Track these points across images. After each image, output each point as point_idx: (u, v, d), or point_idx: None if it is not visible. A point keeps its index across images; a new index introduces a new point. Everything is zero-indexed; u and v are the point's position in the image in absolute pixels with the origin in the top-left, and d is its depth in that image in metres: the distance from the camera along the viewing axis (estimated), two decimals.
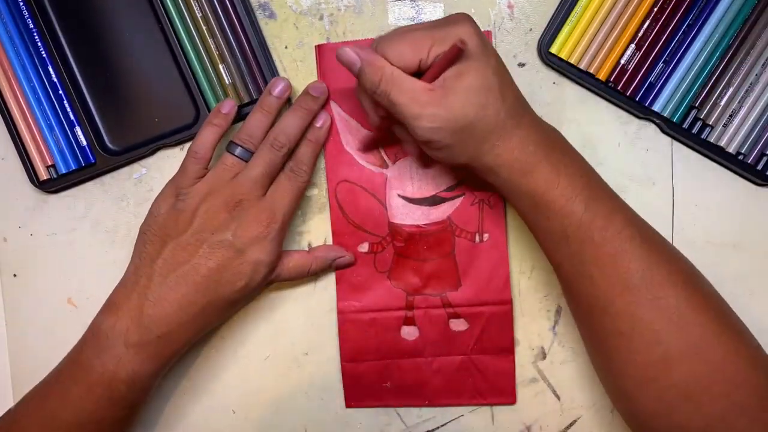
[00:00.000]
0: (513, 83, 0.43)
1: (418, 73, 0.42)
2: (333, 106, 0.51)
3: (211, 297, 0.46)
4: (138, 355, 0.45)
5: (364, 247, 0.52)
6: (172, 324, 0.46)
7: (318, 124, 0.50)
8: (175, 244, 0.46)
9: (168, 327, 0.46)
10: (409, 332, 0.52)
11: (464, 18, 0.42)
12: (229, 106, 0.49)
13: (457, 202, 0.51)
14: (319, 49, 0.51)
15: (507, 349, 0.52)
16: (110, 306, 0.47)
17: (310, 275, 0.51)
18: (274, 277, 0.49)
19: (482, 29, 0.50)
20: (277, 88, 0.49)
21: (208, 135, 0.48)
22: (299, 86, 0.52)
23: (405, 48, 0.41)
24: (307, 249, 0.52)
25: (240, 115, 0.51)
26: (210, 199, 0.47)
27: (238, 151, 0.48)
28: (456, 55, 0.40)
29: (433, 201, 0.51)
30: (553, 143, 0.43)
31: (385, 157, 0.51)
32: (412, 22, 0.51)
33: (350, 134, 0.51)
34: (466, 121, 0.41)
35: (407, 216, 0.51)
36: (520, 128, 0.42)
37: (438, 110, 0.41)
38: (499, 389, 0.52)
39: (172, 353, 0.47)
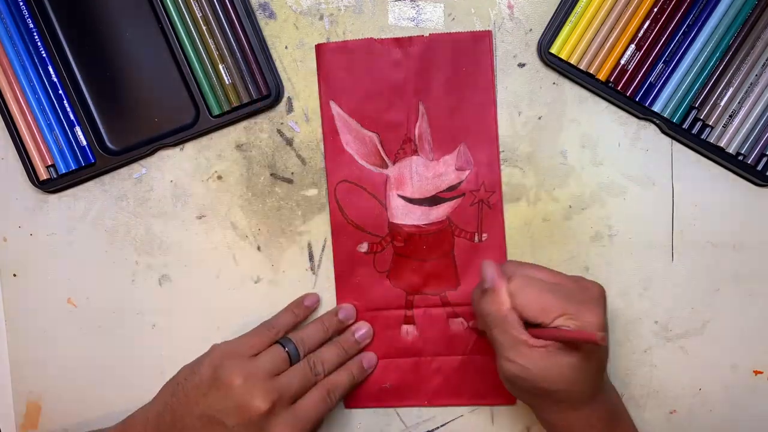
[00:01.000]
0: (605, 365, 0.45)
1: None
2: (333, 105, 0.51)
3: None
4: None
5: (363, 247, 0.52)
6: None
7: (365, 365, 0.51)
8: (200, 411, 0.45)
9: None
10: (408, 331, 0.52)
11: (599, 302, 0.43)
12: (313, 302, 0.52)
13: (457, 202, 0.51)
14: (319, 48, 0.51)
15: None
16: (127, 428, 0.47)
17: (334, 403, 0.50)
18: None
19: (482, 29, 0.50)
20: (344, 314, 0.51)
21: (286, 318, 0.50)
22: (299, 86, 0.52)
23: (534, 306, 0.42)
24: (306, 250, 0.52)
25: (238, 116, 0.51)
26: (248, 382, 0.45)
27: (290, 347, 0.48)
28: (585, 344, 0.41)
29: (433, 201, 0.51)
30: (614, 416, 0.45)
31: (385, 157, 0.51)
32: (412, 23, 0.51)
33: (350, 134, 0.51)
34: (550, 389, 0.42)
35: (407, 216, 0.51)
36: (592, 404, 0.44)
37: (530, 367, 0.42)
38: (498, 390, 0.52)
39: None
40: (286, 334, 0.49)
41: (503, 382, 0.45)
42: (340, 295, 0.52)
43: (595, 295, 0.43)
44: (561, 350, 0.41)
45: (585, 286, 0.44)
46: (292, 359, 0.48)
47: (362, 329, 0.52)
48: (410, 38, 0.50)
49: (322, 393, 0.48)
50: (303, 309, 0.51)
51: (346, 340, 0.51)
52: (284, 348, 0.48)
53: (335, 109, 0.51)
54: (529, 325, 0.42)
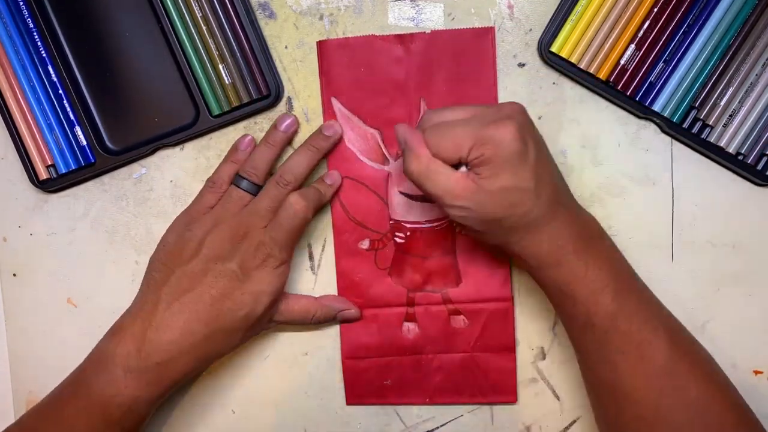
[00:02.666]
0: (553, 178, 0.44)
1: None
2: (334, 102, 0.51)
3: (212, 326, 0.46)
4: (136, 380, 0.45)
5: (364, 244, 0.52)
6: (173, 351, 0.46)
7: (328, 182, 0.51)
8: (181, 272, 0.47)
9: (168, 354, 0.46)
10: (409, 329, 0.52)
11: (510, 119, 0.41)
12: (246, 142, 0.50)
13: None
14: (321, 45, 0.51)
15: (508, 347, 0.52)
16: (115, 330, 0.47)
17: (313, 322, 0.51)
18: (277, 317, 0.50)
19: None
20: (284, 123, 0.50)
21: (226, 168, 0.50)
22: (300, 86, 0.52)
23: (446, 144, 0.41)
24: (306, 250, 0.52)
25: (238, 116, 0.51)
26: (216, 230, 0.47)
27: (243, 184, 0.49)
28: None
29: None
30: (585, 235, 0.44)
31: (387, 154, 0.51)
32: (412, 23, 0.51)
33: (351, 131, 0.51)
34: (494, 217, 0.42)
35: (408, 213, 0.51)
36: (551, 223, 0.43)
37: (468, 203, 0.41)
38: (499, 388, 0.52)
39: (170, 382, 0.47)
40: (230, 183, 0.49)
41: (465, 232, 0.45)
42: (341, 292, 0.52)
43: (507, 112, 0.42)
44: (488, 177, 0.41)
45: (498, 107, 0.43)
46: (253, 192, 0.48)
47: (332, 126, 0.50)
48: (412, 35, 0.50)
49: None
50: (240, 153, 0.50)
51: (313, 140, 0.50)
52: (239, 187, 0.48)
53: (337, 105, 0.51)
54: (454, 167, 0.42)
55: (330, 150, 0.51)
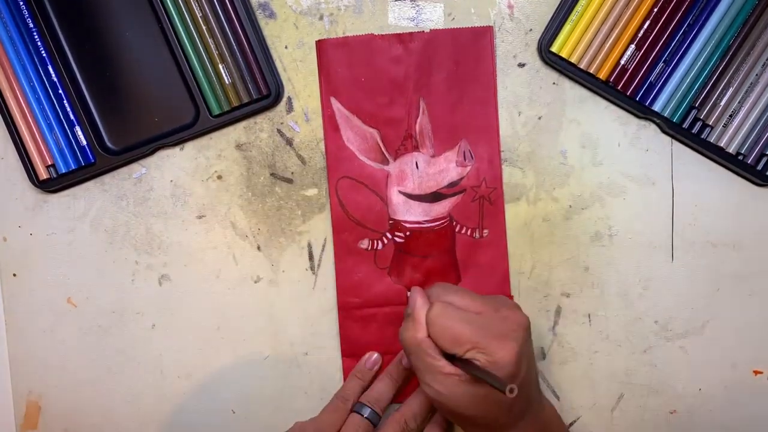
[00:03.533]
0: (531, 391, 0.45)
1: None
2: (333, 102, 0.51)
3: None
4: None
5: (364, 244, 0.52)
6: None
7: None
8: None
9: None
10: None
11: (516, 334, 0.42)
12: (372, 362, 0.52)
13: (458, 198, 0.51)
14: (320, 44, 0.51)
15: None
16: None
17: None
18: None
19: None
20: (405, 360, 0.50)
21: (354, 386, 0.51)
22: (300, 86, 0.52)
23: (446, 336, 0.42)
24: (306, 250, 0.52)
25: (238, 116, 0.51)
26: None
27: (367, 412, 0.49)
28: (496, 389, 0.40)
29: (434, 197, 0.51)
30: None
31: (386, 154, 0.51)
32: (412, 23, 0.51)
33: (351, 130, 0.51)
34: (465, 415, 0.43)
35: (408, 212, 0.51)
36: (516, 427, 0.44)
37: (445, 393, 0.42)
38: None
39: None
40: (357, 400, 0.50)
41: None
42: (341, 291, 0.52)
43: (513, 327, 0.43)
44: (472, 380, 0.41)
45: (505, 317, 0.43)
46: (373, 422, 0.49)
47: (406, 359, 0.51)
48: (411, 34, 0.50)
49: (395, 422, 0.48)
50: (367, 372, 0.51)
51: (395, 370, 0.51)
52: (362, 415, 0.49)
53: (336, 105, 0.51)
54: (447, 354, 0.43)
55: None
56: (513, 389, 0.37)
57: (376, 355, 0.52)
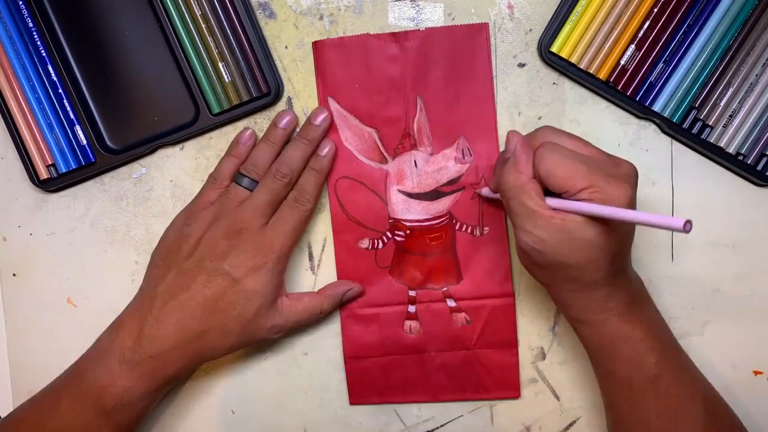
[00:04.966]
0: (629, 253, 0.44)
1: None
2: (331, 102, 0.51)
3: (206, 325, 0.47)
4: (130, 372, 0.46)
5: (364, 243, 0.52)
6: (167, 346, 0.46)
7: (322, 153, 0.50)
8: (177, 270, 0.47)
9: (162, 348, 0.46)
10: (411, 327, 0.52)
11: (629, 178, 0.41)
12: (246, 137, 0.50)
13: (457, 196, 0.51)
14: (316, 45, 0.51)
15: (510, 342, 0.52)
16: (115, 323, 0.48)
17: (323, 315, 0.51)
18: (281, 321, 0.49)
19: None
20: (283, 120, 0.50)
21: (227, 164, 0.50)
22: (299, 86, 0.52)
23: (560, 172, 0.40)
24: (306, 250, 0.52)
25: (238, 114, 0.51)
26: (213, 227, 0.48)
27: (244, 181, 0.49)
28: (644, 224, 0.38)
29: (434, 195, 0.51)
30: (634, 299, 0.44)
31: (385, 153, 0.51)
32: (412, 23, 0.51)
33: (349, 130, 0.51)
34: (564, 264, 0.41)
35: (407, 211, 0.51)
36: (610, 286, 0.42)
37: (546, 238, 0.40)
38: (502, 383, 0.52)
39: (164, 377, 0.47)
40: (232, 179, 0.49)
41: (519, 258, 0.44)
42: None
43: (626, 171, 0.41)
44: (580, 224, 0.39)
45: (616, 162, 0.42)
46: (252, 189, 0.48)
47: (320, 114, 0.50)
48: (406, 32, 0.50)
49: (288, 202, 0.48)
50: (241, 147, 0.50)
51: (303, 132, 0.50)
52: (240, 185, 0.48)
53: (333, 105, 0.51)
54: (553, 195, 0.41)
55: (321, 138, 0.50)
56: (689, 222, 0.34)
57: (249, 130, 0.50)
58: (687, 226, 0.34)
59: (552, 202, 0.41)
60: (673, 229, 0.34)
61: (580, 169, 0.40)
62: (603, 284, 0.42)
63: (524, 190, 0.41)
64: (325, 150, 0.50)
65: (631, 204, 0.40)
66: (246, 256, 0.47)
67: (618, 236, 0.41)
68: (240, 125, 0.52)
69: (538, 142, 0.42)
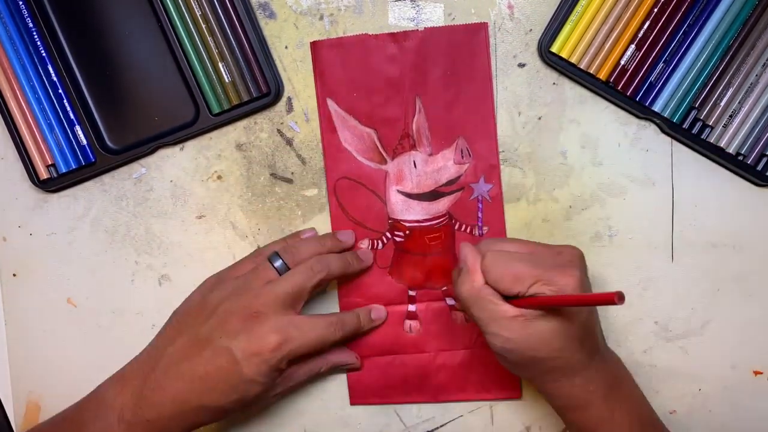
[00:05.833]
0: (596, 328, 0.44)
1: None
2: (330, 103, 0.51)
3: (204, 401, 0.46)
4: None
5: (364, 244, 0.52)
6: (165, 413, 0.45)
7: (361, 265, 0.51)
8: (188, 337, 0.46)
9: (158, 414, 0.45)
10: (411, 327, 0.52)
11: (574, 263, 0.42)
12: (307, 235, 0.51)
13: (457, 196, 0.51)
14: (314, 45, 0.51)
15: None
16: (119, 377, 0.48)
17: (320, 375, 0.51)
18: (282, 390, 0.48)
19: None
20: (345, 236, 0.51)
21: (276, 247, 0.49)
22: (300, 86, 0.52)
23: (507, 277, 0.42)
24: None
25: (238, 114, 0.51)
26: (233, 299, 0.46)
27: (278, 263, 0.48)
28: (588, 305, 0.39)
29: (433, 196, 0.51)
30: (613, 379, 0.45)
31: (384, 153, 0.51)
32: (412, 23, 0.51)
33: (348, 131, 0.51)
34: (537, 357, 0.42)
35: (407, 211, 0.51)
36: (587, 370, 0.43)
37: (514, 338, 0.42)
38: (503, 383, 0.52)
39: None
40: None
41: (498, 359, 0.45)
42: (342, 292, 0.52)
43: (569, 258, 0.43)
44: (540, 317, 0.41)
45: (558, 251, 0.44)
46: (280, 272, 0.47)
47: (346, 233, 0.51)
48: (405, 32, 0.50)
49: (304, 267, 0.47)
50: (297, 239, 0.50)
51: (348, 257, 0.50)
52: (272, 264, 0.48)
53: (332, 106, 0.51)
54: (508, 298, 0.42)
55: (367, 262, 0.51)
56: (621, 294, 0.35)
57: (313, 231, 0.51)
58: (618, 300, 0.35)
59: (526, 301, 0.42)
60: (608, 304, 0.36)
61: (524, 268, 0.42)
62: (579, 369, 0.43)
63: (481, 296, 0.42)
64: (364, 263, 0.51)
65: (582, 287, 0.41)
66: (255, 342, 0.45)
67: (579, 320, 0.42)
68: (240, 126, 0.52)
69: (483, 251, 0.44)
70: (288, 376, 0.48)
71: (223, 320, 0.46)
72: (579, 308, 0.41)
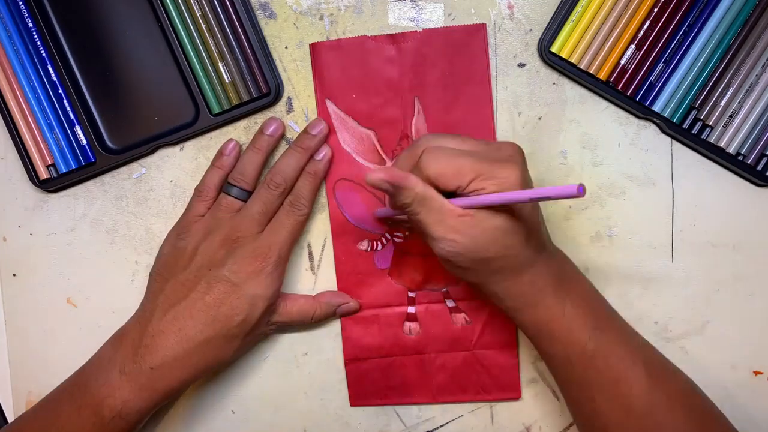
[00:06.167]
0: (541, 226, 0.44)
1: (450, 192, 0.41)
2: (329, 104, 0.51)
3: (208, 332, 0.46)
4: (129, 383, 0.45)
5: (363, 245, 0.52)
6: (167, 357, 0.46)
7: (318, 157, 0.50)
8: (175, 281, 0.47)
9: (162, 359, 0.46)
10: (411, 328, 0.52)
11: (514, 158, 0.42)
12: (230, 147, 0.50)
13: None
14: (314, 47, 0.51)
15: (510, 343, 0.52)
16: (117, 335, 0.48)
17: (314, 321, 0.51)
18: (275, 318, 0.50)
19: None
20: (270, 128, 0.50)
21: (212, 175, 0.50)
22: (299, 86, 0.52)
23: (447, 172, 0.40)
24: (306, 250, 0.52)
25: (239, 114, 0.51)
26: (209, 237, 0.48)
27: (233, 191, 0.49)
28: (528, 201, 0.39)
29: None
30: (562, 275, 0.44)
31: (383, 154, 0.51)
32: (412, 23, 0.51)
33: (347, 132, 0.51)
34: (485, 256, 0.41)
35: None
36: (534, 266, 0.43)
37: (461, 238, 0.41)
38: (503, 384, 0.52)
39: (164, 389, 0.46)
40: (218, 190, 0.50)
41: (444, 265, 0.44)
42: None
43: (509, 153, 0.42)
44: (486, 215, 0.40)
45: (498, 147, 0.43)
46: (243, 198, 0.49)
47: (318, 125, 0.50)
48: (404, 34, 0.50)
49: (284, 208, 0.49)
50: (225, 159, 0.50)
51: (299, 140, 0.50)
52: (228, 194, 0.49)
53: (331, 107, 0.51)
54: (448, 195, 0.41)
55: (317, 148, 0.50)
56: (582, 186, 0.34)
57: (233, 141, 0.51)
58: (580, 190, 0.34)
59: (455, 201, 0.41)
60: (568, 197, 0.35)
61: (465, 163, 0.40)
62: (527, 266, 0.42)
63: (426, 196, 0.41)
64: (321, 154, 0.50)
65: (523, 182, 0.40)
66: (245, 261, 0.47)
67: (524, 216, 0.41)
68: (240, 126, 0.52)
69: (420, 150, 0.42)
70: (282, 309, 0.49)
71: (207, 256, 0.47)
72: (522, 204, 0.40)
